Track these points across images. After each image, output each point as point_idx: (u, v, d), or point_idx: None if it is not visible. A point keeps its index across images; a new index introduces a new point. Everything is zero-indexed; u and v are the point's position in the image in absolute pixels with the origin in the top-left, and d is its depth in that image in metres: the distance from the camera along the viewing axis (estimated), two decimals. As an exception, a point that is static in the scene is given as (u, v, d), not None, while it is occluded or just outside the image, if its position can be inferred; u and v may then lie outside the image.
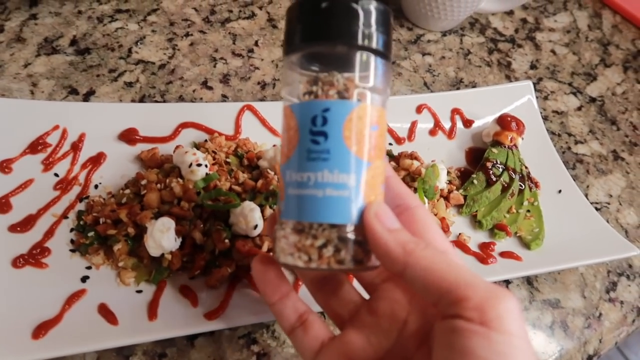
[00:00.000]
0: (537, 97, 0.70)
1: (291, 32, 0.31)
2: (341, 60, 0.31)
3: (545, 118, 0.73)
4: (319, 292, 0.38)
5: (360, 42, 0.30)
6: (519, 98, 0.67)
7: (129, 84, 0.62)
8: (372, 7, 0.30)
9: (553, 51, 0.85)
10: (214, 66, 0.67)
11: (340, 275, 0.37)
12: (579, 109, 0.77)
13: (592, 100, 0.78)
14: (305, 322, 0.35)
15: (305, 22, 0.31)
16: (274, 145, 0.54)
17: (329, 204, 0.30)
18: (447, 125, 0.65)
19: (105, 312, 0.42)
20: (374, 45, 0.30)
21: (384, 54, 0.31)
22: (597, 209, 0.63)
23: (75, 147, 0.51)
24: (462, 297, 0.26)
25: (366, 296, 0.37)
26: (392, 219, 0.30)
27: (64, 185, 0.49)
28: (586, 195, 0.64)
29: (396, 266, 0.28)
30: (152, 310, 0.43)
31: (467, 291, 0.26)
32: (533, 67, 0.81)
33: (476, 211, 0.57)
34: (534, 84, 0.75)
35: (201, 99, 0.63)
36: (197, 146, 0.53)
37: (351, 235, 0.30)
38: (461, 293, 0.26)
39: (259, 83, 0.66)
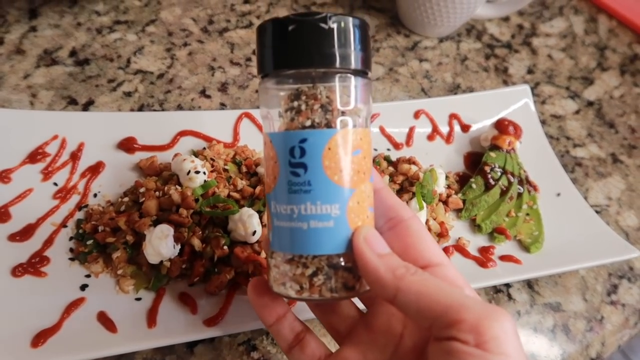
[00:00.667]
0: (534, 102, 0.70)
1: (265, 55, 0.30)
2: (319, 78, 0.30)
3: (543, 122, 0.73)
4: (318, 309, 0.38)
5: (338, 64, 0.29)
6: (516, 102, 0.68)
7: (128, 94, 0.62)
8: (348, 24, 0.29)
9: (550, 56, 0.85)
10: (212, 75, 0.67)
11: None
12: (577, 112, 0.77)
13: (590, 104, 0.79)
14: (302, 341, 0.35)
15: (279, 46, 0.29)
16: (272, 152, 0.54)
17: (315, 236, 0.29)
18: (445, 130, 0.65)
19: (105, 320, 0.42)
20: (352, 65, 0.29)
21: (363, 72, 0.30)
22: (596, 211, 0.63)
23: (74, 156, 0.51)
24: (456, 320, 0.25)
25: (364, 310, 0.37)
26: (381, 243, 0.30)
27: (63, 194, 0.49)
28: (585, 199, 0.64)
29: (387, 292, 0.28)
30: (151, 318, 0.43)
31: (461, 313, 0.25)
32: (530, 71, 0.82)
33: (475, 215, 0.56)
34: (532, 89, 0.76)
35: (199, 107, 0.63)
36: (196, 154, 0.53)
37: (341, 263, 0.30)
38: (455, 315, 0.26)
39: (256, 91, 0.67)
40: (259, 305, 0.35)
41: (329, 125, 0.30)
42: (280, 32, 0.29)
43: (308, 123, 0.30)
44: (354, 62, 0.29)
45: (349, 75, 0.30)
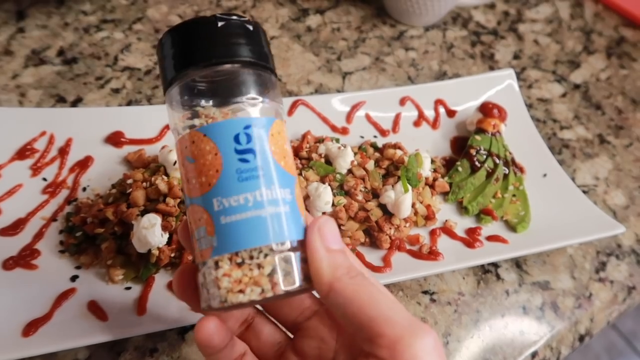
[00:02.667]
0: (521, 86, 0.71)
1: (172, 61, 0.30)
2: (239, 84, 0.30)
3: (529, 106, 0.73)
4: (242, 337, 0.35)
5: (257, 60, 0.30)
6: (500, 85, 0.68)
7: (116, 90, 0.63)
8: (239, 23, 0.30)
9: (536, 41, 0.86)
10: (199, 70, 0.68)
11: (262, 317, 0.35)
12: (564, 95, 0.77)
13: (577, 86, 0.79)
14: None
15: (182, 50, 0.30)
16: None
17: (275, 222, 0.28)
18: (431, 116, 0.65)
19: (95, 309, 0.42)
20: (267, 62, 0.31)
21: (271, 69, 0.31)
22: (584, 191, 0.63)
23: (63, 152, 0.52)
24: (376, 334, 0.25)
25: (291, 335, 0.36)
26: (334, 237, 0.29)
27: (52, 189, 0.50)
28: (573, 179, 0.64)
29: (322, 289, 0.28)
30: (141, 306, 0.43)
31: (383, 327, 0.25)
32: (516, 57, 0.82)
33: (462, 197, 0.57)
34: (518, 74, 0.76)
35: (187, 101, 0.64)
36: (183, 146, 0.54)
37: (298, 253, 0.29)
38: (376, 329, 0.25)
39: (244, 84, 0.67)
40: (190, 301, 0.32)
41: (264, 114, 0.30)
42: (184, 37, 0.30)
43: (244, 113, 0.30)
44: (272, 60, 0.31)
45: (266, 69, 0.31)
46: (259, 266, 0.27)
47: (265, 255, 0.28)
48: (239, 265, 0.27)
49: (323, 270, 0.27)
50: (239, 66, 0.30)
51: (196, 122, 0.30)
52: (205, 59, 0.29)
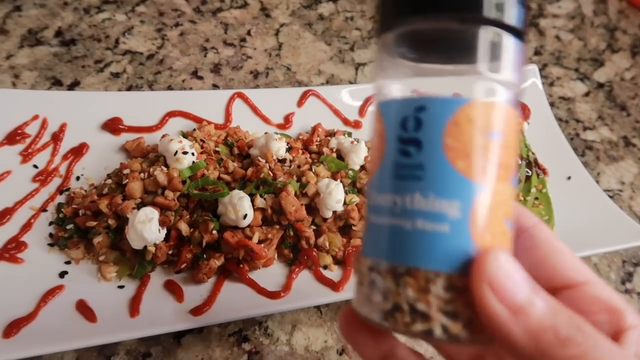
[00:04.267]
0: (542, 83, 0.67)
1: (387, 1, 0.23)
2: (456, 43, 0.22)
3: (551, 104, 0.69)
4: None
5: (487, 14, 0.21)
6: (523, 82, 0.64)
7: (116, 75, 0.60)
8: None
9: (558, 37, 0.82)
10: (205, 56, 0.64)
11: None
12: (587, 94, 0.73)
13: (600, 85, 0.75)
14: None
15: None
16: (266, 133, 0.51)
17: (420, 241, 0.21)
18: (448, 111, 0.62)
19: (84, 309, 0.39)
20: (507, 19, 0.21)
21: (518, 32, 0.22)
22: (609, 196, 0.59)
23: (56, 137, 0.49)
24: None
25: None
26: (518, 287, 0.20)
27: (43, 177, 0.47)
28: (597, 183, 0.60)
29: None
30: (134, 307, 0.40)
31: None
32: (537, 53, 0.78)
33: (481, 199, 0.53)
34: (539, 70, 0.72)
35: (191, 88, 0.60)
36: (185, 135, 0.50)
37: (463, 288, 0.21)
38: None
39: (251, 72, 0.64)
40: (354, 342, 0.26)
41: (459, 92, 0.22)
42: None
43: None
44: (512, 15, 0.21)
45: (500, 30, 0.22)
46: (405, 285, 0.21)
47: (427, 280, 0.21)
48: (386, 273, 0.22)
49: (519, 342, 0.19)
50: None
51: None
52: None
